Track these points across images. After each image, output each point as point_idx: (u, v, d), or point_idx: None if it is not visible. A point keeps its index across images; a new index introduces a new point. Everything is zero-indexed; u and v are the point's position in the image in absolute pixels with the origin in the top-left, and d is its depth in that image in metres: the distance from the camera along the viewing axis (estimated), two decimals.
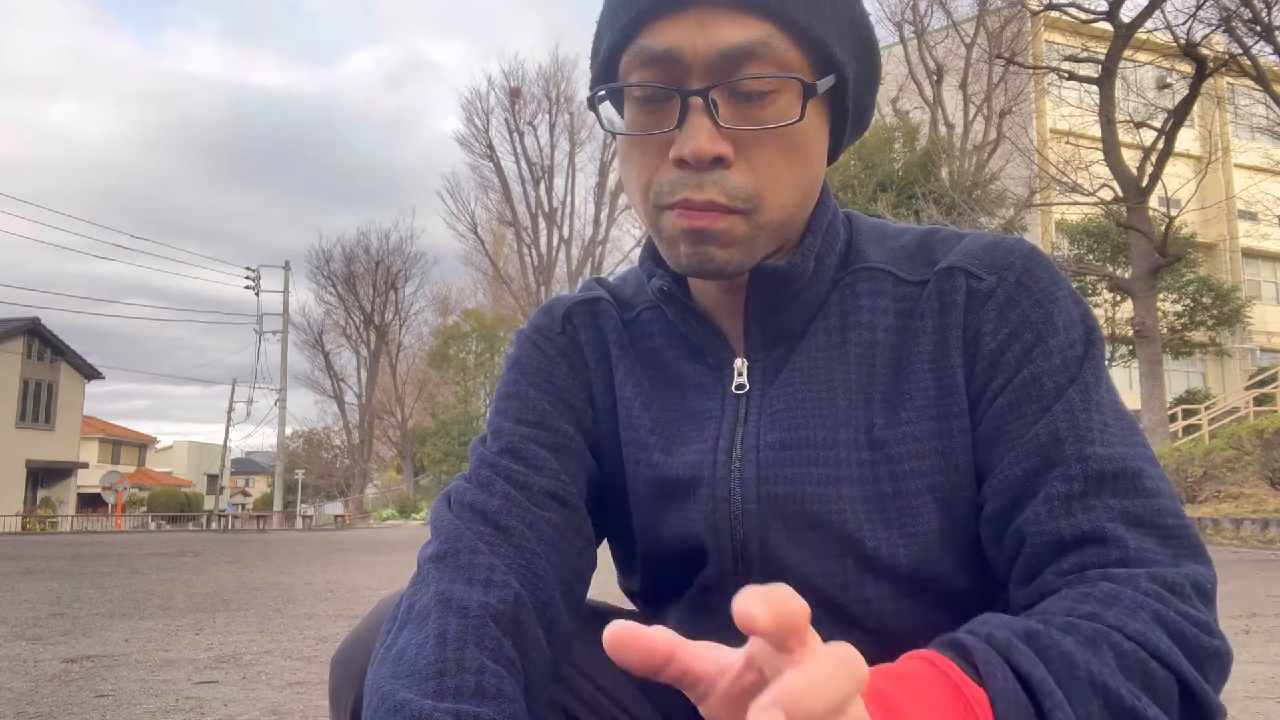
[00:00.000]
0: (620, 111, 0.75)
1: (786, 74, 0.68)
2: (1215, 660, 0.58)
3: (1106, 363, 0.74)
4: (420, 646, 0.63)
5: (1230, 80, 19.07)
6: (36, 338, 32.15)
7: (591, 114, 0.77)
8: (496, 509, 0.74)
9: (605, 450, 0.84)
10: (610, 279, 0.91)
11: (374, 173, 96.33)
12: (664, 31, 0.68)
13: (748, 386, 0.78)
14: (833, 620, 0.74)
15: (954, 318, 0.73)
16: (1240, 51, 14.98)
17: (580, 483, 0.81)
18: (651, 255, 0.82)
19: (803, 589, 0.73)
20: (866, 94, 0.77)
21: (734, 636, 0.76)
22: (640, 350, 0.84)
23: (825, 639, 0.73)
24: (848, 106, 0.74)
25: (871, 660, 0.74)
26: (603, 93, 0.74)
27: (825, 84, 0.70)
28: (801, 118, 0.69)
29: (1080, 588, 0.60)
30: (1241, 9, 14.55)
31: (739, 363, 0.79)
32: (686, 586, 0.81)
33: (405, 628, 0.66)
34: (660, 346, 0.83)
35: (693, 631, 0.82)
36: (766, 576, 0.75)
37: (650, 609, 0.90)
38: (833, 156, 0.78)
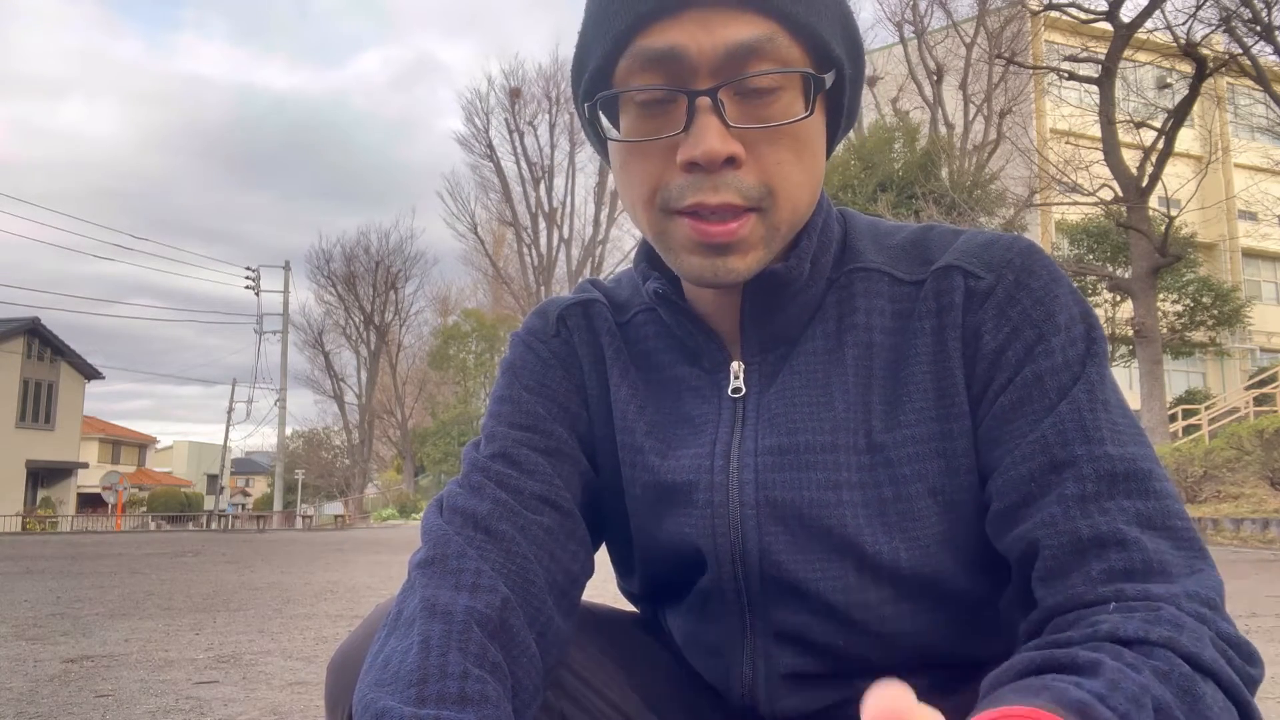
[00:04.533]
0: (614, 121, 0.72)
1: (795, 69, 0.68)
2: (1252, 685, 0.57)
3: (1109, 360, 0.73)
4: (404, 654, 0.63)
5: (1230, 80, 19.04)
6: (37, 338, 32.14)
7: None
8: (486, 513, 0.74)
9: (601, 454, 0.83)
10: (605, 281, 0.90)
11: (375, 173, 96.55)
12: (664, 33, 0.66)
13: (744, 390, 0.77)
14: (834, 624, 0.73)
15: (952, 318, 0.72)
16: (1240, 51, 14.96)
17: (574, 487, 0.80)
18: (646, 258, 0.81)
19: (803, 593, 0.73)
20: (855, 92, 0.76)
21: (733, 641, 0.76)
22: (635, 353, 0.84)
23: (826, 643, 0.73)
24: (843, 104, 0.74)
25: (873, 663, 0.74)
26: (597, 102, 0.71)
27: (829, 79, 0.70)
28: (810, 113, 0.68)
29: (1143, 611, 0.57)
30: (1241, 9, 14.54)
31: (735, 366, 0.78)
32: (686, 591, 0.81)
33: (392, 635, 0.66)
34: (655, 349, 0.83)
35: (694, 637, 0.82)
36: (766, 582, 0.74)
37: (651, 612, 0.90)
38: (827, 154, 0.78)
